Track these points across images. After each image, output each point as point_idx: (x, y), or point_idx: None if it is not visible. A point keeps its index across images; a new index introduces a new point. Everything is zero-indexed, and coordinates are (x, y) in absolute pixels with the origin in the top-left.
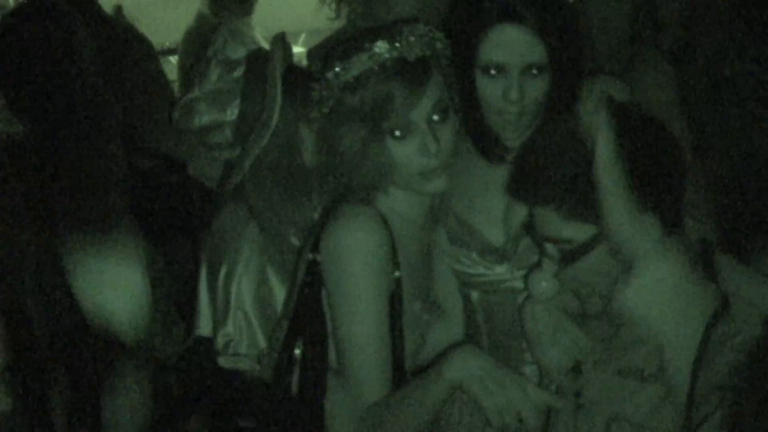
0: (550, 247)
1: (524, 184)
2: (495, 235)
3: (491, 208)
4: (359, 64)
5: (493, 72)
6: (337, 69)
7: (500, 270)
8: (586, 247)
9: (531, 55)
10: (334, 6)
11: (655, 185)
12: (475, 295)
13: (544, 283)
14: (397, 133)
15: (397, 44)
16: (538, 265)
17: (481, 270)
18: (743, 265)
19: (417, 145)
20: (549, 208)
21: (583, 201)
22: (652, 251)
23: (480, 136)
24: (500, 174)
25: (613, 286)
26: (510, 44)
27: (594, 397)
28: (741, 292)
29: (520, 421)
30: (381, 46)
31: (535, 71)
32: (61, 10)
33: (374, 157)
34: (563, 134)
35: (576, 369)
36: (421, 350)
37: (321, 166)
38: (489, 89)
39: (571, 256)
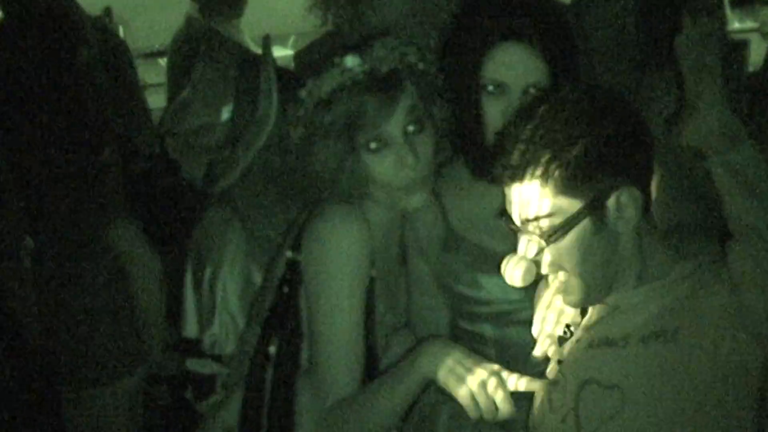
0: (532, 227)
1: (509, 161)
2: None
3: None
4: (330, 80)
5: (494, 90)
6: (309, 87)
7: (520, 296)
8: (571, 221)
9: (533, 74)
10: (320, 13)
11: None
12: (488, 329)
13: (518, 272)
14: (372, 145)
15: (367, 58)
16: (513, 253)
17: (502, 296)
18: None
19: (394, 158)
20: (537, 182)
21: (572, 173)
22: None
23: (480, 155)
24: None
25: (593, 270)
26: (513, 63)
27: (566, 368)
28: None
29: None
30: (351, 61)
31: (533, 91)
32: (60, 14)
33: (351, 173)
34: (549, 108)
35: (566, 334)
36: (384, 354)
37: (300, 180)
38: (489, 108)
39: (554, 233)
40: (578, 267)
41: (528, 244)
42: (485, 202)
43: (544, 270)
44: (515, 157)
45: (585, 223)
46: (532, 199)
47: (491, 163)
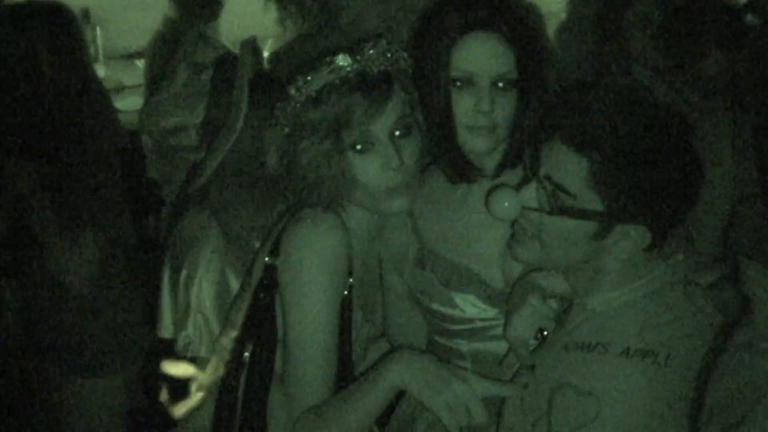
0: (547, 186)
1: (577, 126)
2: (493, 278)
3: (486, 250)
4: (321, 78)
5: (464, 83)
6: (299, 84)
7: (494, 313)
8: (580, 214)
9: (502, 65)
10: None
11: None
12: (463, 344)
13: (506, 203)
14: (359, 146)
15: (359, 58)
16: (508, 186)
17: (476, 314)
18: None
19: (379, 160)
20: (585, 162)
21: (614, 182)
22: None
23: (453, 156)
24: (489, 215)
25: (562, 258)
26: (482, 53)
27: (539, 372)
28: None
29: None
30: (342, 60)
31: (502, 84)
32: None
33: (336, 172)
34: (646, 113)
35: (539, 338)
36: (362, 363)
37: (281, 180)
38: (460, 102)
39: (558, 209)
40: (552, 247)
41: (531, 192)
42: (458, 219)
43: (525, 223)
44: (581, 120)
45: (589, 225)
46: (568, 170)
47: (466, 167)
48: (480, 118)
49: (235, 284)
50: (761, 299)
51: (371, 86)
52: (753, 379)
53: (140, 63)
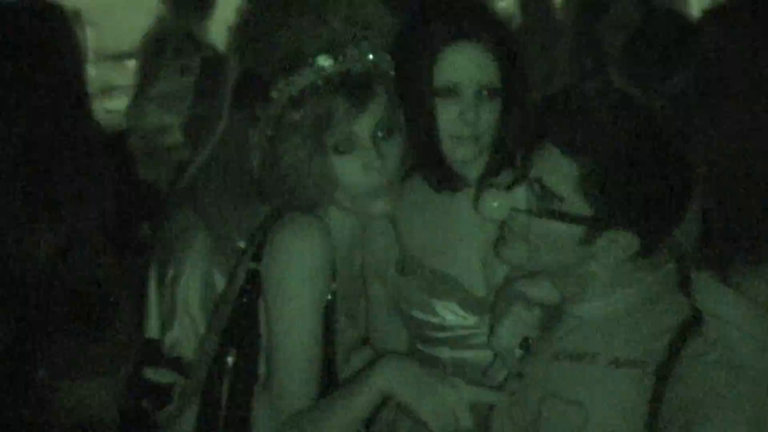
0: (536, 188)
1: (569, 131)
2: (475, 285)
3: (468, 257)
4: (302, 79)
5: (448, 93)
6: (280, 85)
7: (475, 321)
8: (568, 218)
9: (486, 74)
10: None
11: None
12: (445, 352)
13: (495, 204)
14: (340, 147)
15: (341, 58)
16: (498, 187)
17: (456, 322)
18: (722, 283)
19: (360, 161)
20: (574, 165)
21: (605, 190)
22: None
23: (436, 164)
24: (472, 222)
25: (548, 262)
26: (466, 63)
27: (528, 381)
28: (717, 310)
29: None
30: (323, 60)
31: (486, 94)
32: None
33: (317, 173)
34: (637, 124)
35: (523, 346)
36: (345, 368)
37: (264, 181)
38: (444, 112)
39: (546, 212)
40: (539, 249)
41: (520, 194)
42: (441, 226)
43: (513, 225)
44: (573, 124)
45: (577, 229)
46: (558, 174)
47: (449, 175)
48: (464, 127)
49: (221, 285)
50: (712, 310)
51: (353, 87)
52: (702, 391)
53: (130, 64)
